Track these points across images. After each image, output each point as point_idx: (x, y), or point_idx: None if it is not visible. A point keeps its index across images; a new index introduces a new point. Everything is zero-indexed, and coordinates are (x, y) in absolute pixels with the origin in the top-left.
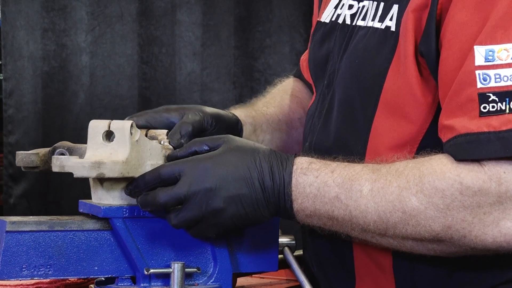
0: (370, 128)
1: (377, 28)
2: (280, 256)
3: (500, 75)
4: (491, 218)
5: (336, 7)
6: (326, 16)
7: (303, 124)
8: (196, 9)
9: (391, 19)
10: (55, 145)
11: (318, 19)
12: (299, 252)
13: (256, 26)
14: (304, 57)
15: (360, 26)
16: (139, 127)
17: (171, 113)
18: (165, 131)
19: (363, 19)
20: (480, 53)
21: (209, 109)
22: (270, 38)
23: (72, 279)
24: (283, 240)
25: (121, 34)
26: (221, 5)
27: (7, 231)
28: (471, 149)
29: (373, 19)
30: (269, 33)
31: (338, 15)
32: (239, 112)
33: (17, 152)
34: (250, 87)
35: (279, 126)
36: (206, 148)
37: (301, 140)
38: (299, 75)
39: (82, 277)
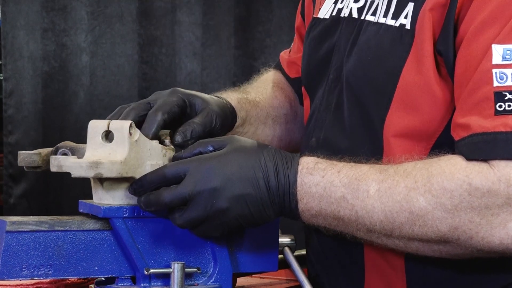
0: (383, 126)
1: (390, 26)
2: (280, 256)
3: None
4: (499, 220)
5: (335, 2)
6: (325, 12)
7: (288, 121)
8: (196, 9)
9: (406, 17)
10: (58, 145)
11: (315, 16)
12: (300, 252)
13: (256, 26)
14: (285, 55)
15: (370, 21)
16: (165, 125)
17: (191, 105)
18: (168, 131)
19: (373, 14)
20: (497, 51)
21: (215, 105)
22: (270, 38)
23: (72, 279)
24: (283, 240)
25: (121, 34)
26: (221, 5)
27: (7, 231)
28: (486, 149)
29: (385, 16)
30: (269, 33)
31: (340, 9)
32: (234, 100)
33: (19, 152)
34: None
35: (265, 120)
36: (211, 149)
37: (283, 136)
38: (278, 69)
39: (82, 277)
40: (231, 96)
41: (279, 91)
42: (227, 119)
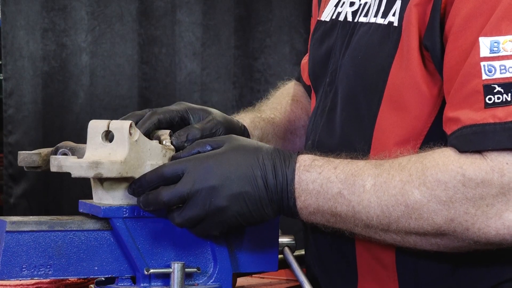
0: (374, 124)
1: (379, 24)
2: (280, 256)
3: (505, 67)
4: (494, 210)
5: (336, 5)
6: (326, 15)
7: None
8: (196, 9)
9: (393, 15)
10: (58, 145)
11: (319, 19)
12: (299, 252)
13: (256, 26)
14: (305, 60)
15: (362, 23)
16: (161, 125)
17: (193, 115)
18: (168, 131)
19: (365, 15)
20: (485, 44)
21: (221, 116)
22: (270, 38)
23: (72, 279)
24: (283, 240)
25: (121, 34)
26: (221, 5)
27: (7, 231)
28: (476, 140)
29: (375, 15)
30: (269, 33)
31: (339, 13)
32: (247, 120)
33: (19, 152)
34: (250, 87)
35: (284, 135)
36: (209, 148)
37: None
38: (299, 79)
39: (82, 277)
40: (244, 117)
41: (295, 104)
42: (232, 130)
